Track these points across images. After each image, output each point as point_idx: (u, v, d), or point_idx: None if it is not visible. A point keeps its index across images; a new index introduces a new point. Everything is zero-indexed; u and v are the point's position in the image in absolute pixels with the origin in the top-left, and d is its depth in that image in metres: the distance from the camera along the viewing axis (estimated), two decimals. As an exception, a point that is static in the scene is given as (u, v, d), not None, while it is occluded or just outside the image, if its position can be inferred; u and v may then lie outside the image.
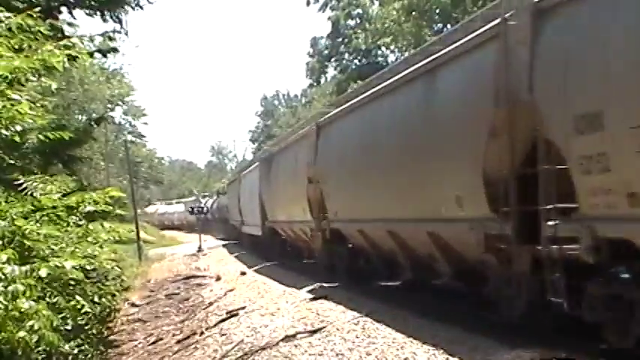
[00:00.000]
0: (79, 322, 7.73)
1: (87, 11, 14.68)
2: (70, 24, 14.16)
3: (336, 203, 11.73)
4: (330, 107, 13.45)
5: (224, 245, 30.33)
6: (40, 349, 5.38)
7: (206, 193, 53.63)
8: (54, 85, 7.39)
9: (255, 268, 17.50)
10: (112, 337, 10.98)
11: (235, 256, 23.28)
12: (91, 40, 15.10)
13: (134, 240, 25.29)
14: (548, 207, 5.70)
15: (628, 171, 4.82)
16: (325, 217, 12.37)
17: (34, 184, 6.35)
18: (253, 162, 24.51)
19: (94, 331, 9.19)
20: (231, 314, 10.22)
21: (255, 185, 20.30)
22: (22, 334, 4.61)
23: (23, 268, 4.72)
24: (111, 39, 15.06)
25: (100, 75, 37.61)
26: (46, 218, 6.06)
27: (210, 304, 12.22)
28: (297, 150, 14.90)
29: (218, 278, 16.20)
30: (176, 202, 61.13)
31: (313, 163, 12.74)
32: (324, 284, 11.70)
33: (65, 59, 5.81)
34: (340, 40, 39.08)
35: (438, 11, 26.72)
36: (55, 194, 6.30)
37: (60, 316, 5.95)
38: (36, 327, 4.62)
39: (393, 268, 10.38)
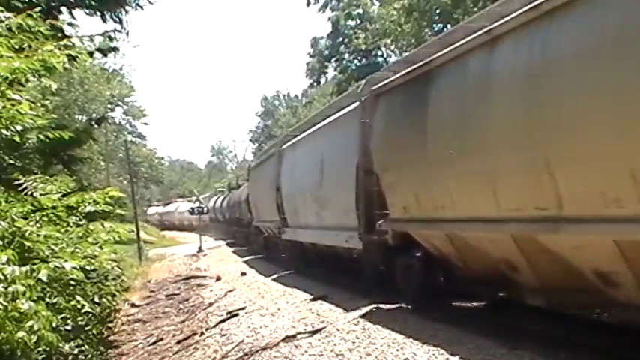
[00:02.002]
0: (79, 323, 7.74)
1: (87, 11, 14.68)
2: (70, 24, 14.16)
3: None
4: None
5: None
6: (40, 349, 5.38)
7: (221, 189, 45.77)
8: (54, 86, 7.40)
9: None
10: (112, 338, 10.98)
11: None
12: (91, 40, 15.09)
13: (134, 240, 25.30)
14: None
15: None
16: None
17: (34, 184, 6.35)
18: (326, 112, 13.48)
19: (94, 332, 9.19)
20: (232, 314, 10.22)
21: (346, 153, 10.61)
22: (21, 334, 4.60)
23: (23, 269, 4.71)
24: (111, 39, 15.05)
25: (101, 75, 37.69)
26: (46, 219, 6.06)
27: (211, 304, 12.22)
28: None
29: (218, 278, 16.19)
30: (196, 200, 48.82)
31: None
32: None
33: (65, 59, 5.80)
34: (340, 40, 39.06)
35: (438, 12, 26.72)
36: (55, 194, 6.30)
37: (60, 316, 5.95)
38: (35, 327, 4.62)
39: None
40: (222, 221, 34.46)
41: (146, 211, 66.03)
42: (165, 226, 57.87)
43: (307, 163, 13.40)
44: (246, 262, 20.52)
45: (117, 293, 12.20)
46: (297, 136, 15.53)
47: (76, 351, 7.48)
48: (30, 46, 5.56)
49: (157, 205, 68.58)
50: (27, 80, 5.91)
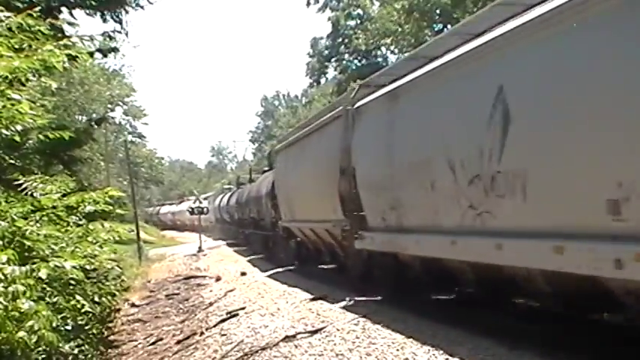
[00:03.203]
0: (79, 322, 7.73)
1: (87, 11, 14.70)
2: (70, 24, 14.16)
3: None
4: None
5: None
6: (40, 349, 5.38)
7: (228, 186, 39.25)
8: (54, 85, 7.41)
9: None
10: (112, 338, 10.98)
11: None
12: (91, 39, 15.10)
13: (134, 240, 25.30)
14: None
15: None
16: None
17: (34, 184, 6.36)
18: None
19: (94, 331, 9.18)
20: (231, 314, 10.21)
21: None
22: (21, 334, 4.60)
23: (23, 269, 4.72)
24: (111, 39, 15.06)
25: (101, 75, 37.70)
26: (46, 218, 6.06)
27: (211, 304, 12.21)
28: None
29: (218, 278, 16.18)
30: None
31: None
32: None
33: (65, 59, 5.81)
34: (340, 40, 39.06)
35: (438, 12, 26.74)
36: (55, 194, 6.31)
37: (60, 316, 5.95)
38: (35, 327, 4.62)
39: None
40: (229, 222, 29.57)
41: (159, 211, 64.52)
42: (177, 227, 53.52)
43: (446, 117, 7.40)
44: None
45: (117, 293, 12.20)
46: (391, 82, 9.41)
47: (75, 351, 7.46)
48: (30, 46, 5.56)
49: (170, 204, 63.43)
50: (27, 80, 5.91)
